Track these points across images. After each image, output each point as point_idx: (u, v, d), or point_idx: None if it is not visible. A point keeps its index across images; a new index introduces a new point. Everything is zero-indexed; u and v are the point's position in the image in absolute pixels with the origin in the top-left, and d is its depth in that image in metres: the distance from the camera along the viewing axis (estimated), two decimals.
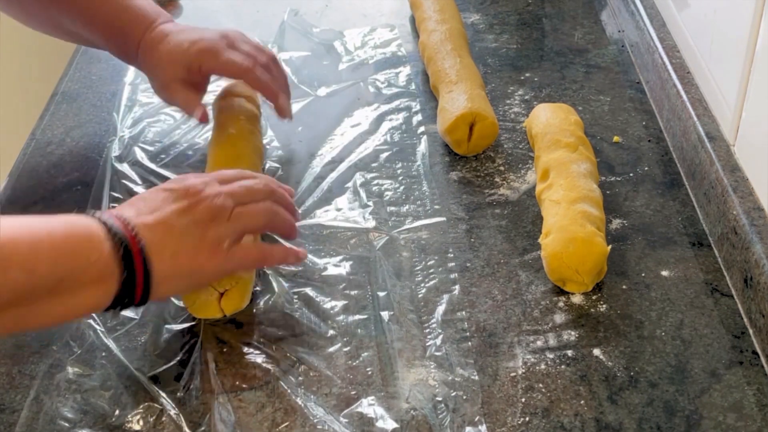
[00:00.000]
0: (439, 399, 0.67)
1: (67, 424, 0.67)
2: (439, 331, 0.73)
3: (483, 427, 0.64)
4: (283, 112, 0.91)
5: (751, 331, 0.71)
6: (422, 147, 0.93)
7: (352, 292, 0.77)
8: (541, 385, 0.68)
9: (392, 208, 0.86)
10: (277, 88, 0.90)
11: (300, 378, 0.70)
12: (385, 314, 0.74)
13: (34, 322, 0.63)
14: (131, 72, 1.09)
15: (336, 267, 0.79)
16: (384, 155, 0.93)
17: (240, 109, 0.93)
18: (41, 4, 0.91)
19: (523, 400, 0.67)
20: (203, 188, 0.69)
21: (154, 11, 0.92)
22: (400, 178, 0.89)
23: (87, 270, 0.61)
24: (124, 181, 0.91)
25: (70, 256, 0.61)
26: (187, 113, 0.91)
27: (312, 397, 0.68)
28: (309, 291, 0.77)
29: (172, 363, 0.71)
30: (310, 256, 0.80)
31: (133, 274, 0.63)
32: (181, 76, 0.89)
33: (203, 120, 0.89)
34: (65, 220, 0.63)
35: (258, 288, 0.78)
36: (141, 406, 0.68)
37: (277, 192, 0.74)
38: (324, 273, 0.79)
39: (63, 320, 0.65)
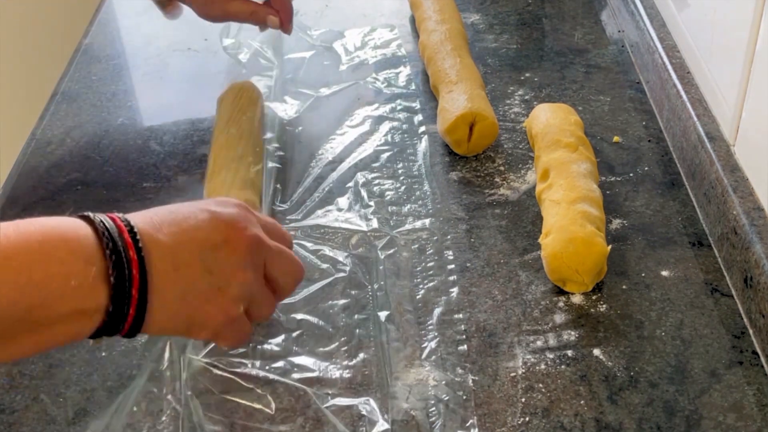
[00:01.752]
0: (439, 399, 0.67)
1: (65, 423, 0.67)
2: (439, 331, 0.73)
3: (475, 431, 0.64)
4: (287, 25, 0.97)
5: (751, 331, 0.71)
6: (422, 147, 0.93)
7: (352, 292, 0.77)
8: (541, 385, 0.68)
9: (393, 208, 0.86)
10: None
11: (299, 377, 0.70)
12: (383, 314, 0.74)
13: None
14: (131, 72, 1.09)
15: (336, 267, 0.79)
16: (384, 155, 0.93)
17: (241, 109, 0.93)
18: None
19: (523, 400, 0.67)
20: (246, 232, 0.57)
21: None
22: (401, 178, 0.89)
23: (65, 298, 0.49)
24: None
25: (45, 281, 0.48)
26: (258, 22, 0.93)
27: (311, 396, 0.68)
28: (309, 291, 0.77)
29: (171, 362, 0.71)
30: (310, 255, 0.80)
31: (124, 312, 0.52)
32: None
33: (284, 27, 0.94)
34: (46, 228, 0.50)
35: None
36: (141, 406, 0.68)
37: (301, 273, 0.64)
38: (324, 273, 0.79)
39: (34, 353, 0.52)
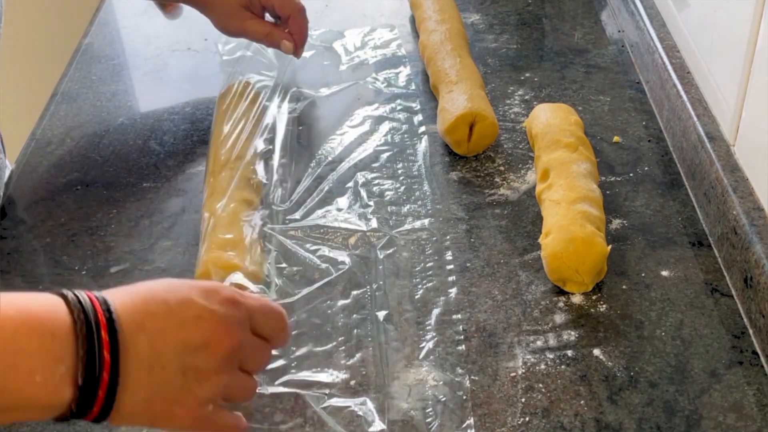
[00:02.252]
0: (438, 399, 0.67)
1: (65, 423, 0.67)
2: (438, 331, 0.73)
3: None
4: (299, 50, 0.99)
5: (751, 331, 0.71)
6: (422, 147, 0.93)
7: (351, 292, 0.77)
8: (541, 385, 0.68)
9: (392, 208, 0.85)
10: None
11: (298, 379, 0.69)
12: (382, 314, 0.74)
13: None
14: (131, 72, 1.09)
15: (335, 267, 0.79)
16: (384, 155, 0.92)
17: (240, 108, 0.93)
18: None
19: (523, 400, 0.67)
20: (229, 335, 0.55)
21: None
22: (401, 178, 0.89)
23: (25, 391, 0.48)
24: None
25: (6, 371, 0.47)
26: (272, 46, 0.94)
27: (310, 396, 0.68)
28: (308, 291, 0.77)
29: None
30: (310, 255, 0.80)
31: (87, 405, 0.50)
32: (243, 3, 0.92)
33: (297, 53, 0.95)
34: (25, 310, 0.49)
35: (257, 287, 0.77)
36: None
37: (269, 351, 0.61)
38: (323, 273, 0.79)
39: None
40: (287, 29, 0.99)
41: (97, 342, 0.49)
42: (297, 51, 1.00)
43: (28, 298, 0.50)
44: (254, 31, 0.97)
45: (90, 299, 0.51)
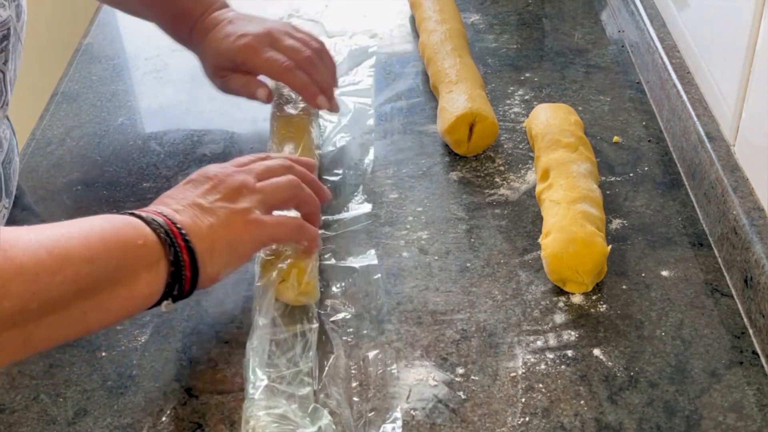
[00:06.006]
0: (439, 399, 0.67)
1: (65, 423, 0.67)
2: (439, 331, 0.73)
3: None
4: (323, 107, 0.90)
5: (751, 331, 0.71)
6: (422, 147, 0.93)
7: (353, 292, 0.77)
8: (541, 385, 0.68)
9: (393, 209, 0.86)
10: (316, 88, 0.89)
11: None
12: (383, 314, 0.74)
13: (97, 319, 0.63)
14: (131, 72, 1.09)
15: (336, 267, 0.79)
16: (384, 156, 0.92)
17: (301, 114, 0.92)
18: None
19: (523, 400, 0.67)
20: (221, 171, 0.71)
21: None
22: (401, 178, 0.89)
23: (138, 256, 0.63)
24: None
25: (121, 244, 0.62)
26: (249, 96, 0.91)
27: (311, 397, 0.68)
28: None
29: (172, 363, 0.71)
30: None
31: (178, 254, 0.64)
32: (229, 67, 0.90)
33: (268, 100, 0.89)
34: (101, 217, 0.64)
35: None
36: (141, 406, 0.68)
37: (296, 168, 0.75)
38: (324, 273, 0.79)
39: (124, 314, 0.64)
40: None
41: (153, 217, 0.65)
42: (329, 104, 0.91)
43: (83, 219, 0.63)
44: (234, 85, 0.91)
45: (147, 211, 0.66)
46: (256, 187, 0.71)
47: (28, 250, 0.57)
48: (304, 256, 0.74)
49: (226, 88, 0.92)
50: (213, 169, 0.72)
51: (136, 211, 0.66)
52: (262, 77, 0.91)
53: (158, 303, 0.65)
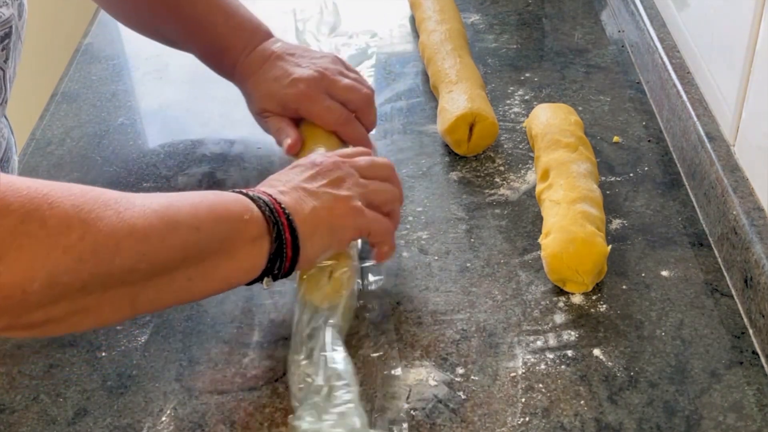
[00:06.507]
0: (439, 399, 0.67)
1: (65, 423, 0.67)
2: (439, 331, 0.73)
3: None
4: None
5: (751, 331, 0.71)
6: (422, 147, 0.93)
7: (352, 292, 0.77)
8: (541, 385, 0.68)
9: None
10: (371, 142, 0.87)
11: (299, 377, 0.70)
12: (383, 314, 0.74)
13: (201, 286, 0.65)
14: (131, 72, 1.09)
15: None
16: (384, 155, 0.92)
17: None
18: (143, 12, 0.93)
19: (523, 400, 0.67)
20: (327, 159, 0.73)
21: (253, 27, 0.90)
22: (401, 178, 0.89)
23: (243, 229, 0.65)
24: None
25: (227, 217, 0.65)
26: (277, 143, 0.88)
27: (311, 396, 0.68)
28: None
29: (172, 363, 0.71)
30: None
31: (281, 232, 0.66)
32: (276, 110, 0.87)
33: (290, 151, 0.85)
34: (211, 192, 0.68)
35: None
36: (141, 406, 0.68)
37: (397, 178, 0.77)
38: None
39: (226, 284, 0.67)
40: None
41: (259, 195, 0.68)
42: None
43: (193, 192, 0.67)
44: (270, 126, 0.89)
45: (254, 192, 0.69)
46: (360, 181, 0.73)
47: (142, 214, 0.60)
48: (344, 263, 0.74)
49: (263, 126, 0.90)
50: (319, 157, 0.74)
51: (244, 190, 0.68)
52: None
53: (259, 279, 0.68)
